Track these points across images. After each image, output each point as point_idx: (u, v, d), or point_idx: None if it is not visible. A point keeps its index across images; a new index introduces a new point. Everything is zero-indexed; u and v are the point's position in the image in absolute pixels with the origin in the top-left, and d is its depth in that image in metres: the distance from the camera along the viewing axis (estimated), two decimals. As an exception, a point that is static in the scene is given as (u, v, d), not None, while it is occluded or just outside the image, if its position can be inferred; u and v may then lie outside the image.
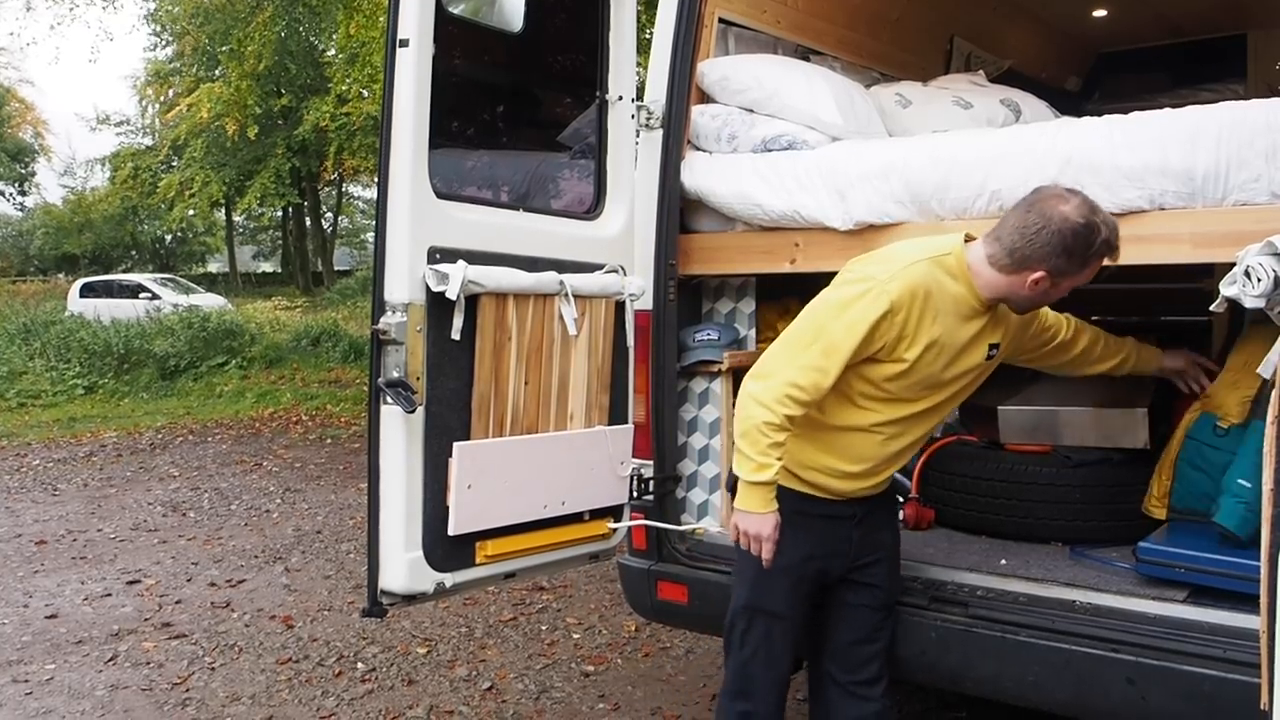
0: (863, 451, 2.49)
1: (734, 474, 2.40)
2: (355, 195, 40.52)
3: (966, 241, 2.44)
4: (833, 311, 2.35)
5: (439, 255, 2.64)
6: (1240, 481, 2.53)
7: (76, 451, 10.09)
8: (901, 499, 3.23)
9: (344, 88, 13.89)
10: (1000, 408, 3.22)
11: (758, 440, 2.31)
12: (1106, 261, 2.35)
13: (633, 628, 4.86)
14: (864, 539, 2.58)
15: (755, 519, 2.36)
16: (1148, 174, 2.46)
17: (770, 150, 3.12)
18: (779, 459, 2.33)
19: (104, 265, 37.11)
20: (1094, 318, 4.31)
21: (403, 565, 2.66)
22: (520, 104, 3.43)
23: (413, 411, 2.59)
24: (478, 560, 2.80)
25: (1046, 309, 2.67)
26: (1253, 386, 2.65)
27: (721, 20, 3.33)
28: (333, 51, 18.62)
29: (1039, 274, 2.31)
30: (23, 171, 38.70)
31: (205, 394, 13.66)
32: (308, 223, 34.98)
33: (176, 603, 5.45)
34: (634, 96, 3.19)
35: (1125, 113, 2.63)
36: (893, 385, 2.41)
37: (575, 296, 2.94)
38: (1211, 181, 2.39)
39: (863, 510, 2.57)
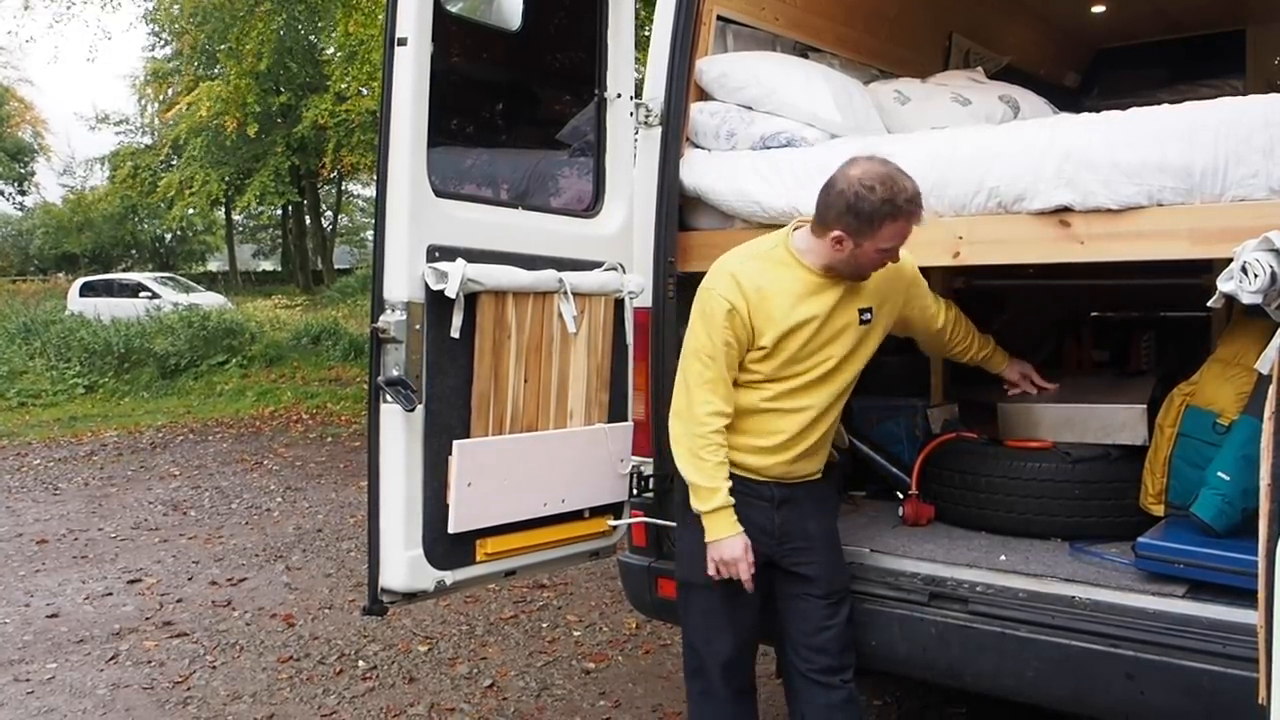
0: (773, 426, 2.62)
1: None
2: (355, 193, 40.54)
3: (796, 229, 2.62)
4: (695, 331, 2.61)
5: (438, 253, 2.65)
6: (1220, 474, 2.55)
7: (77, 450, 10.10)
8: (901, 495, 3.24)
9: (343, 85, 13.88)
10: (1000, 403, 3.22)
11: (702, 465, 2.54)
12: (905, 224, 2.45)
13: (633, 625, 4.87)
14: (788, 525, 2.66)
15: (726, 544, 2.54)
16: (1146, 170, 2.46)
17: (769, 147, 3.12)
18: (726, 479, 2.54)
19: (104, 264, 37.12)
20: (1094, 313, 4.34)
21: (403, 563, 2.66)
22: (519, 102, 3.43)
23: (412, 410, 2.60)
24: (478, 558, 2.81)
25: (924, 285, 2.83)
26: (1247, 381, 2.65)
27: (720, 17, 3.33)
28: (332, 49, 18.61)
29: (836, 233, 2.47)
30: (22, 171, 38.71)
31: (205, 393, 13.67)
32: (307, 221, 34.97)
33: (177, 601, 5.45)
34: (633, 94, 3.19)
35: (1124, 109, 2.63)
36: (764, 367, 2.58)
37: (574, 294, 2.94)
38: (1210, 177, 2.39)
39: (783, 494, 2.65)
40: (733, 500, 2.54)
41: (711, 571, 2.58)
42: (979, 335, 3.04)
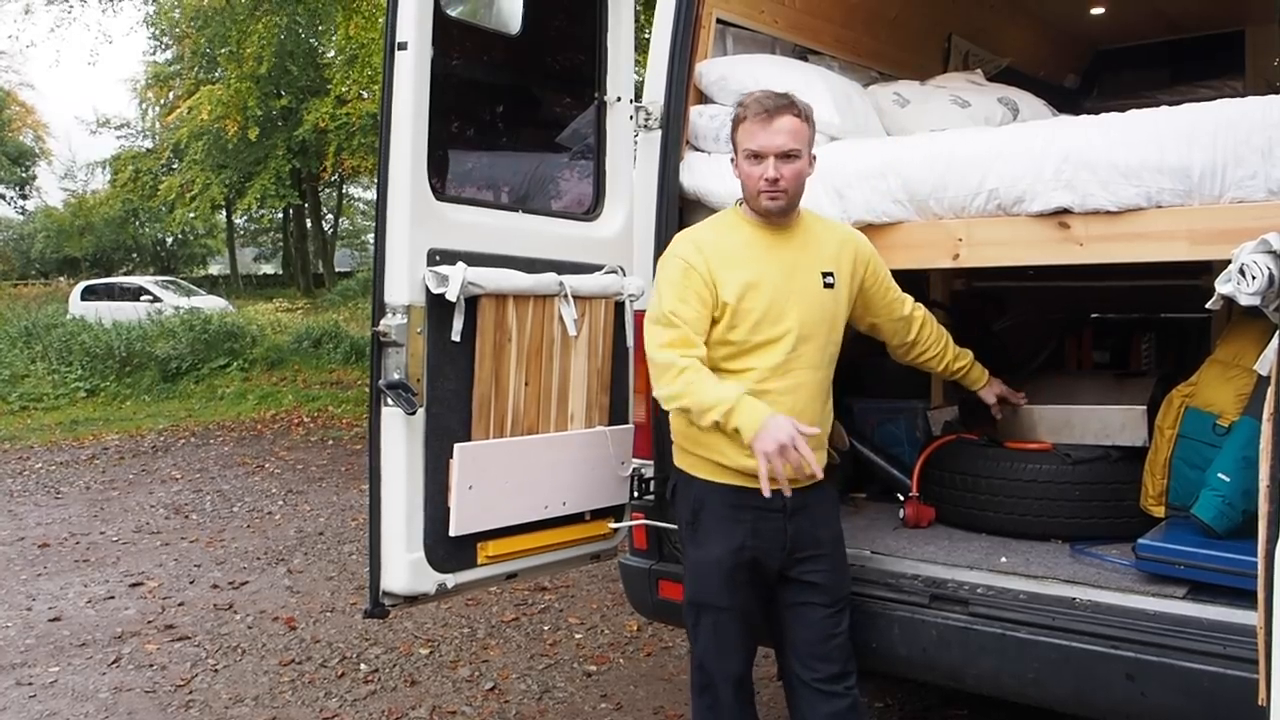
0: None
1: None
2: (355, 196, 40.57)
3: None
4: (657, 296, 2.61)
5: (439, 257, 2.65)
6: (1220, 475, 2.55)
7: (79, 454, 10.10)
8: (902, 497, 3.24)
9: (344, 89, 13.91)
10: (1000, 405, 3.22)
11: (698, 391, 2.44)
12: (754, 125, 2.51)
13: (634, 627, 4.87)
14: (800, 534, 2.59)
15: (768, 433, 2.34)
16: (1145, 171, 2.46)
17: (769, 150, 3.11)
18: (717, 383, 2.46)
19: (105, 268, 37.16)
20: (1094, 315, 4.34)
21: (404, 566, 2.67)
22: (519, 106, 3.44)
23: (413, 413, 2.60)
24: (479, 561, 2.81)
25: (893, 285, 2.81)
26: (1247, 382, 2.65)
27: (719, 20, 3.33)
28: (332, 53, 18.64)
29: (731, 157, 2.60)
30: (23, 175, 38.74)
31: (207, 396, 13.68)
32: (308, 224, 34.98)
33: (179, 605, 5.46)
34: (632, 97, 3.19)
35: (1123, 110, 2.63)
36: (735, 335, 2.55)
37: (575, 297, 2.95)
38: (1208, 179, 2.39)
39: (795, 502, 2.53)
40: (742, 393, 2.41)
41: (766, 473, 2.32)
42: (955, 346, 2.97)
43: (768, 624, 2.70)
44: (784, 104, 2.53)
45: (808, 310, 2.59)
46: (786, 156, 2.50)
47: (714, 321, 2.54)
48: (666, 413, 3.15)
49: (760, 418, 2.37)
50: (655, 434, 3.14)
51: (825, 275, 2.63)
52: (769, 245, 2.60)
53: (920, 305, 2.92)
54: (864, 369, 3.58)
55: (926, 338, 2.90)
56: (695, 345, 2.50)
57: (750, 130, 2.52)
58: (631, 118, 3.18)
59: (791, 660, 2.67)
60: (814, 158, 2.61)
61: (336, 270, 36.63)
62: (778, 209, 2.57)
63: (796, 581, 2.62)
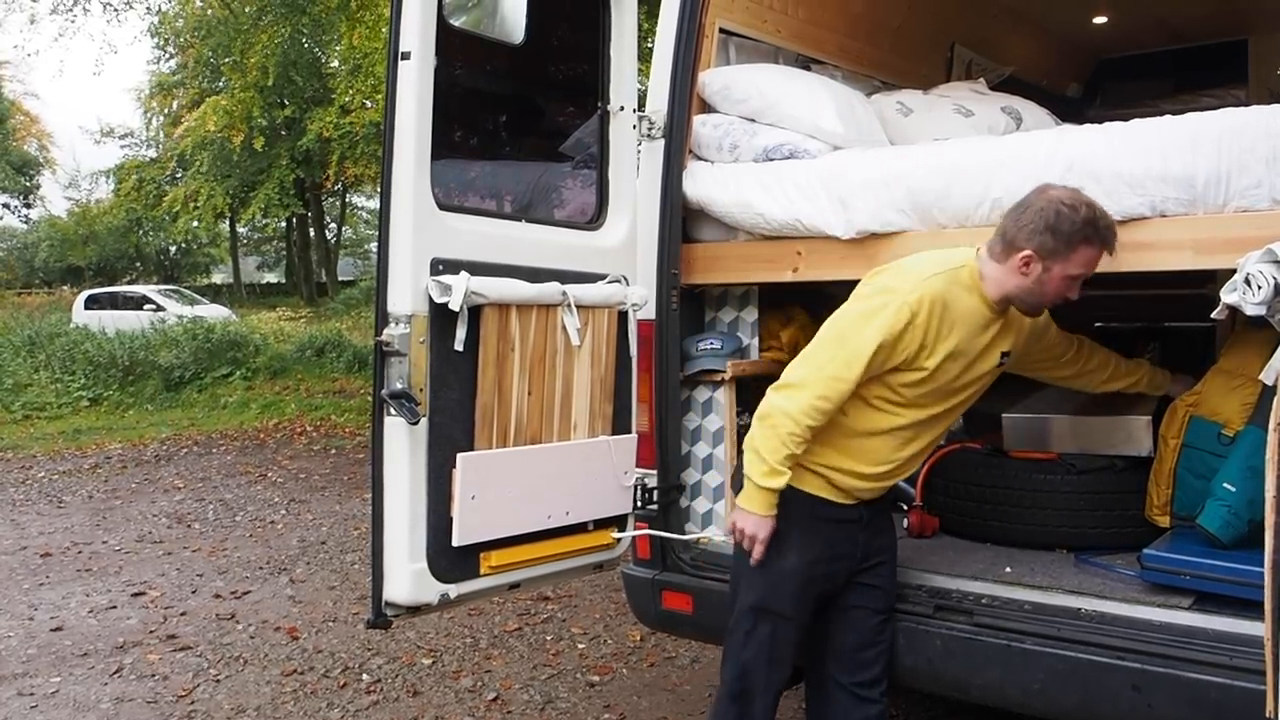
0: (880, 455, 2.55)
1: (742, 474, 2.47)
2: (359, 205, 40.65)
3: (980, 254, 2.51)
4: (856, 324, 2.43)
5: (442, 266, 2.65)
6: (1226, 485, 2.54)
7: (81, 463, 10.10)
8: (905, 506, 3.23)
9: (347, 98, 13.95)
10: (1005, 415, 3.21)
11: (778, 449, 2.40)
12: (1098, 251, 2.38)
13: (638, 637, 4.86)
14: (869, 542, 2.63)
15: (756, 520, 2.46)
16: (1149, 180, 2.46)
17: (772, 159, 3.12)
18: (790, 469, 2.43)
19: (109, 277, 37.20)
20: (1098, 324, 4.33)
21: (407, 576, 2.66)
22: (522, 115, 3.44)
23: (416, 423, 2.59)
24: (482, 571, 2.80)
25: (1054, 328, 2.77)
26: (1252, 391, 2.64)
27: (722, 30, 3.34)
28: (336, 62, 18.70)
29: (1026, 253, 2.38)
30: (27, 184, 38.80)
31: (210, 405, 13.68)
32: (311, 233, 35.06)
33: (181, 614, 5.45)
34: (636, 107, 3.19)
35: (1126, 119, 2.63)
36: (911, 392, 2.49)
37: (578, 306, 2.95)
38: (1213, 188, 2.39)
39: (869, 514, 2.62)
40: (781, 489, 2.44)
41: (728, 535, 2.54)
42: (1123, 362, 2.98)
43: (807, 637, 2.68)
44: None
45: (974, 384, 2.57)
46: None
47: (896, 368, 2.45)
48: (670, 423, 3.16)
49: (764, 509, 2.45)
50: (658, 443, 3.14)
51: (1003, 355, 2.59)
52: (985, 324, 2.50)
53: (1089, 343, 2.94)
54: None
55: (1088, 365, 2.93)
56: (833, 404, 2.42)
57: (1093, 256, 2.39)
58: (635, 127, 3.18)
59: (830, 663, 2.65)
60: None
61: (339, 279, 36.70)
62: (1033, 314, 2.57)
63: (858, 585, 2.63)
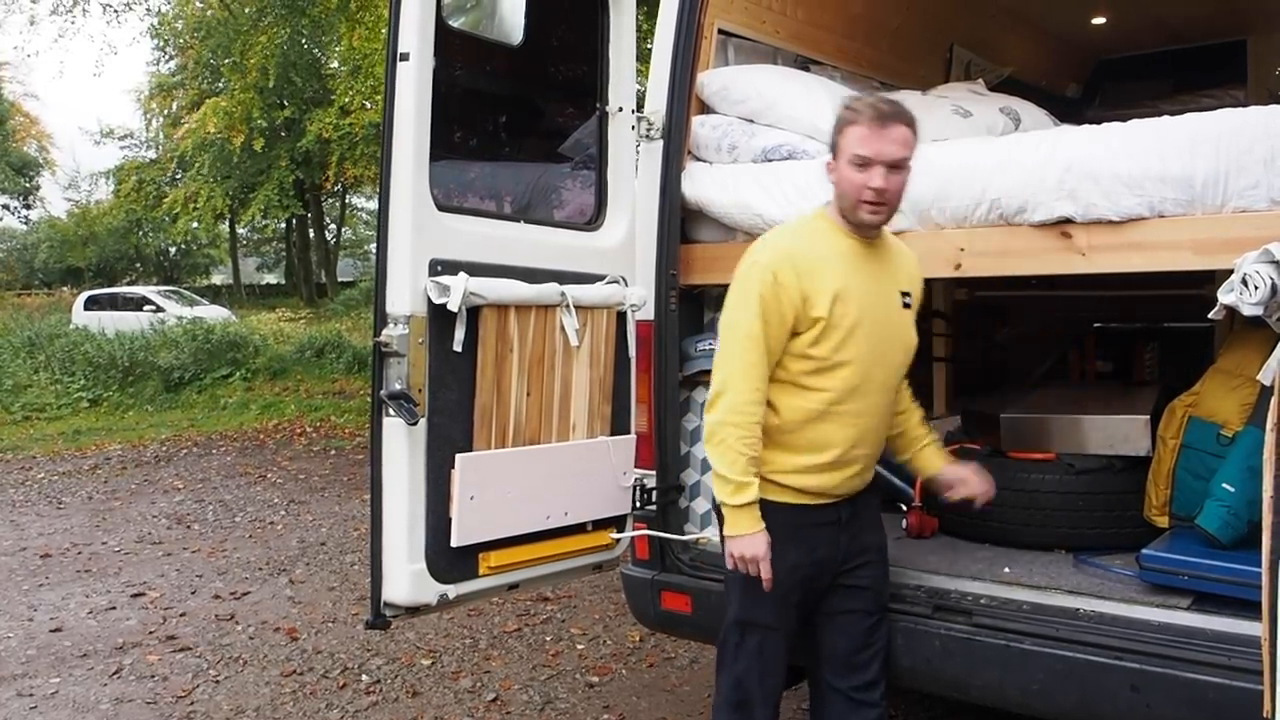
0: (829, 439, 2.49)
1: (718, 503, 2.47)
2: (358, 206, 40.64)
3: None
4: (736, 307, 2.48)
5: (440, 267, 2.65)
6: (1225, 486, 2.54)
7: (81, 464, 10.10)
8: (905, 507, 3.23)
9: (347, 99, 13.95)
10: (1003, 415, 3.22)
11: (735, 460, 2.42)
12: (865, 128, 2.38)
13: (637, 638, 4.86)
14: (851, 543, 2.59)
15: (746, 541, 2.45)
16: (1147, 181, 2.46)
17: (770, 160, 3.12)
18: (755, 474, 2.43)
19: (108, 278, 37.17)
20: (1097, 325, 4.34)
21: (406, 577, 2.66)
22: (521, 116, 3.44)
23: (415, 423, 2.60)
24: (481, 571, 2.81)
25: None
26: (1251, 391, 2.64)
27: (721, 31, 3.34)
28: (336, 63, 18.70)
29: (828, 160, 2.48)
30: (27, 185, 38.79)
31: (209, 406, 13.69)
32: (311, 234, 35.04)
33: (181, 615, 5.45)
34: (634, 108, 3.20)
35: (1125, 119, 2.63)
36: (823, 348, 2.44)
37: (577, 307, 2.95)
38: (1211, 188, 2.39)
39: (848, 513, 2.57)
40: (758, 498, 2.43)
41: (730, 566, 2.50)
42: (920, 422, 2.81)
43: (801, 639, 2.66)
44: (898, 112, 2.42)
45: (887, 330, 2.52)
46: (895, 167, 2.40)
47: (796, 334, 2.44)
48: (668, 423, 3.16)
49: (750, 530, 2.44)
50: (657, 444, 3.14)
51: (904, 295, 2.57)
52: (859, 257, 2.49)
53: (909, 392, 2.79)
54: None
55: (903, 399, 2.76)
56: (765, 382, 2.44)
57: (861, 135, 2.38)
58: (633, 128, 3.18)
59: (825, 668, 2.64)
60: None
61: (339, 280, 36.68)
62: (877, 222, 2.48)
63: (843, 587, 2.60)
